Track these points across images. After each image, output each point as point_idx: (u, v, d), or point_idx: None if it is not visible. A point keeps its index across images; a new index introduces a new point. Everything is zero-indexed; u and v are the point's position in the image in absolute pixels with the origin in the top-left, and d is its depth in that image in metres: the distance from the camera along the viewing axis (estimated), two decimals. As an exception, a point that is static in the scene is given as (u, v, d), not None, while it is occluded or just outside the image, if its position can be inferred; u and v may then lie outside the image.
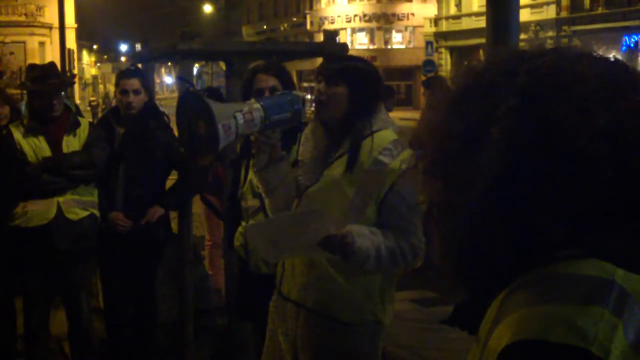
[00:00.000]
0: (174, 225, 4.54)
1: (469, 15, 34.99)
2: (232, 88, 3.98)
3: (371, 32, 47.06)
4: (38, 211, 3.87)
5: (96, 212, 4.04)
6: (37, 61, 20.76)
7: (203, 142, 2.31)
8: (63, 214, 3.88)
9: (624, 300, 0.85)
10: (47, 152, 3.91)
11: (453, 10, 36.90)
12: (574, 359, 0.80)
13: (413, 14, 44.80)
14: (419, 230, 2.49)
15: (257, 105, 2.38)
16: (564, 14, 29.48)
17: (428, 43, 30.84)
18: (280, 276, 2.70)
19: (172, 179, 4.45)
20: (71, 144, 3.98)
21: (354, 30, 46.82)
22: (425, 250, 2.50)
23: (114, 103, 4.68)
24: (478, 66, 1.02)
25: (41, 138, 3.92)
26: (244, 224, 3.23)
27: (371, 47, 45.91)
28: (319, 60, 3.03)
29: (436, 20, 38.58)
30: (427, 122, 1.03)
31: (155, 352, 4.44)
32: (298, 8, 53.07)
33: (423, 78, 19.26)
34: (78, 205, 3.95)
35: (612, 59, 0.97)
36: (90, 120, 4.82)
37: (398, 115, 21.37)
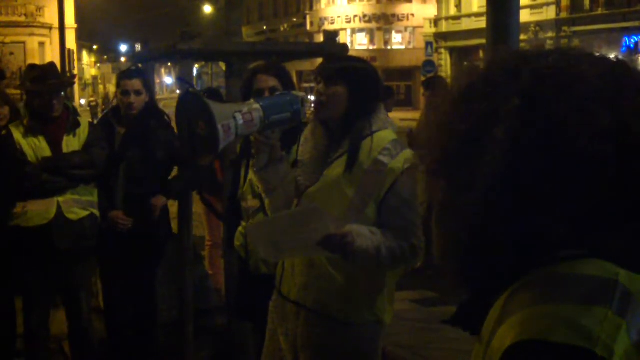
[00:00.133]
0: (174, 225, 4.54)
1: (469, 16, 34.99)
2: (232, 88, 3.98)
3: (371, 33, 47.07)
4: (38, 211, 3.87)
5: (96, 212, 4.04)
6: (37, 61, 20.78)
7: (203, 142, 2.31)
8: (63, 213, 3.89)
9: (628, 301, 0.85)
10: (47, 152, 3.91)
11: (453, 11, 36.90)
12: (577, 359, 0.80)
13: (413, 15, 44.81)
14: (419, 230, 2.50)
15: (256, 106, 2.39)
16: (563, 14, 29.49)
17: (428, 44, 30.82)
18: (280, 276, 2.70)
19: (172, 176, 4.44)
20: (71, 144, 3.98)
21: (353, 31, 46.82)
22: (425, 250, 2.51)
23: (114, 103, 4.68)
24: (480, 66, 1.02)
25: (41, 138, 3.92)
26: (244, 224, 3.23)
27: (371, 47, 45.91)
28: (319, 60, 3.03)
29: (436, 21, 38.58)
30: (429, 122, 1.03)
31: (155, 352, 4.44)
32: (298, 8, 53.07)
33: (423, 79, 19.26)
34: (78, 205, 3.95)
35: (616, 60, 0.97)
36: (90, 120, 4.82)
37: (398, 115, 21.37)
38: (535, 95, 0.92)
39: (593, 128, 0.88)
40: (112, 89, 39.01)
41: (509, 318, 0.88)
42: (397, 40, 46.96)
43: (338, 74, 2.54)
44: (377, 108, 2.57)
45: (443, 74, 27.79)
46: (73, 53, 26.17)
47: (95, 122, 5.00)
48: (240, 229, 3.27)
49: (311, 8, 50.43)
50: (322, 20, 47.55)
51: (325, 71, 2.57)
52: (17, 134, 3.91)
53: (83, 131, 4.04)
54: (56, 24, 21.61)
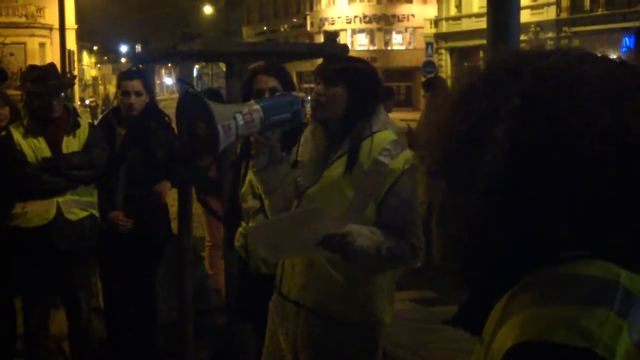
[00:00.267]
0: (174, 225, 4.54)
1: (469, 16, 34.99)
2: (232, 89, 3.98)
3: (371, 34, 47.07)
4: (37, 211, 3.87)
5: (96, 212, 4.04)
6: (37, 62, 20.79)
7: (203, 143, 2.31)
8: (62, 214, 3.89)
9: (629, 301, 0.85)
10: (46, 152, 3.91)
11: (453, 12, 36.91)
12: None
13: (413, 15, 44.81)
14: (419, 231, 2.50)
15: (256, 107, 2.39)
16: (564, 15, 29.50)
17: (428, 44, 30.82)
18: (280, 276, 2.70)
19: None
20: (71, 144, 3.98)
21: (354, 32, 46.82)
22: (425, 251, 2.51)
23: (114, 104, 4.68)
24: (480, 66, 1.02)
25: (41, 139, 3.92)
26: (244, 224, 3.23)
27: (371, 48, 45.92)
28: (319, 61, 3.03)
29: (436, 22, 38.58)
30: (430, 123, 1.03)
31: (155, 352, 4.44)
32: (298, 9, 53.07)
33: (423, 79, 19.25)
34: (77, 205, 3.95)
35: (617, 60, 0.97)
36: (90, 121, 4.82)
37: (398, 116, 21.34)
38: (536, 95, 0.92)
39: (593, 128, 0.88)
40: (112, 89, 39.03)
41: (509, 319, 0.88)
42: (398, 41, 46.97)
43: (337, 75, 2.54)
44: (377, 109, 2.57)
45: (443, 75, 27.82)
46: (73, 54, 26.19)
47: (95, 122, 4.99)
48: (240, 229, 3.27)
49: (311, 8, 50.43)
50: (322, 21, 47.55)
51: (324, 72, 2.57)
52: (17, 135, 3.91)
53: (83, 132, 4.04)
54: (56, 24, 21.63)
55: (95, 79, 64.74)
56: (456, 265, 1.01)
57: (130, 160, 4.18)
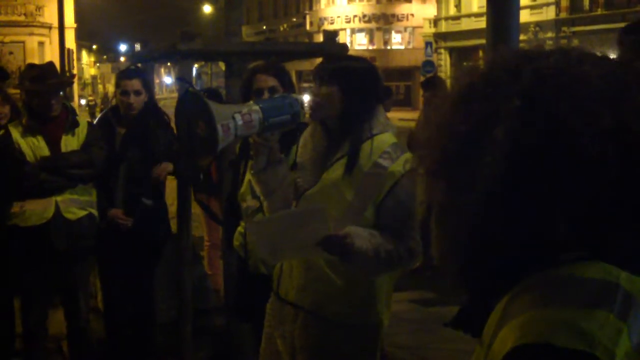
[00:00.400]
0: (173, 225, 4.53)
1: (469, 16, 35.00)
2: (232, 88, 3.98)
3: (370, 33, 47.07)
4: (36, 210, 3.86)
5: (94, 211, 4.03)
6: (37, 61, 20.76)
7: (202, 142, 2.31)
8: (61, 213, 3.88)
9: (629, 303, 0.84)
10: (45, 151, 3.90)
11: (452, 11, 36.91)
12: None
13: (412, 15, 44.82)
14: (417, 234, 2.49)
15: (256, 107, 2.38)
16: (563, 15, 29.51)
17: (427, 44, 30.80)
18: (277, 278, 2.70)
19: (172, 178, 4.44)
20: (70, 143, 3.98)
21: (353, 31, 46.82)
22: (422, 253, 2.50)
23: (113, 103, 4.67)
24: (480, 66, 1.01)
25: (39, 137, 3.92)
26: (243, 224, 3.22)
27: (370, 47, 45.91)
28: (319, 60, 3.03)
29: (435, 21, 38.59)
30: (430, 123, 1.03)
31: (154, 352, 4.44)
32: (298, 8, 53.07)
33: (422, 79, 19.25)
34: (76, 204, 3.94)
35: (618, 60, 0.96)
36: (88, 119, 4.81)
37: (397, 115, 21.38)
38: (536, 95, 0.91)
39: (594, 128, 0.88)
40: (111, 88, 39.01)
41: (509, 321, 0.88)
42: (397, 40, 46.97)
43: (331, 74, 2.53)
44: (377, 110, 2.56)
45: (442, 74, 27.80)
46: (72, 53, 26.17)
47: (94, 121, 4.98)
48: (239, 228, 3.27)
49: (311, 8, 50.43)
50: (321, 20, 47.56)
51: (320, 72, 2.57)
52: (16, 134, 3.91)
53: (82, 131, 4.03)
54: (56, 23, 21.61)
55: (94, 78, 64.73)
56: (456, 266, 1.00)
57: (130, 159, 4.18)
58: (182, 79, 3.93)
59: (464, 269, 1.00)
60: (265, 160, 2.56)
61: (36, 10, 36.48)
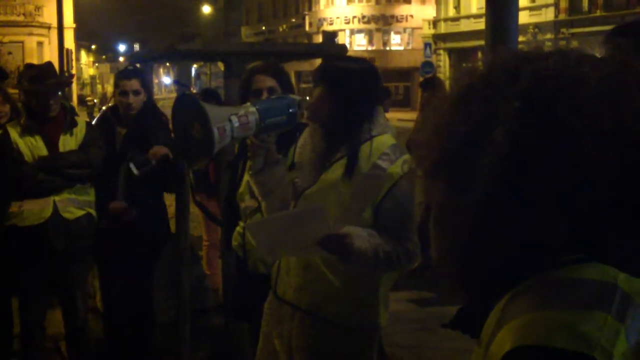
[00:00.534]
0: (172, 225, 4.53)
1: (468, 17, 35.02)
2: (231, 89, 3.98)
3: (370, 34, 47.09)
4: (34, 210, 3.86)
5: (92, 211, 4.03)
6: (36, 61, 20.77)
7: (198, 144, 2.30)
8: (59, 213, 3.88)
9: (627, 305, 0.85)
10: (43, 151, 3.90)
11: (451, 12, 36.93)
12: None
13: (412, 16, 44.86)
14: (415, 236, 2.49)
15: (252, 109, 2.38)
16: (562, 16, 29.53)
17: (426, 45, 30.83)
18: (275, 277, 2.70)
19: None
20: (68, 143, 3.97)
21: (352, 32, 46.85)
22: (420, 254, 2.50)
23: (111, 103, 4.67)
24: (479, 67, 1.01)
25: (38, 137, 3.91)
26: (241, 224, 3.22)
27: (370, 48, 45.93)
28: (318, 61, 3.03)
29: (435, 22, 38.61)
30: (429, 123, 1.03)
31: (152, 351, 4.43)
32: (297, 9, 53.08)
33: (421, 79, 19.29)
34: (74, 204, 3.94)
35: (617, 61, 0.96)
36: (87, 119, 4.80)
37: (395, 116, 21.42)
38: (535, 97, 0.91)
39: (593, 130, 0.88)
40: (110, 88, 38.97)
41: (508, 322, 0.88)
42: (396, 41, 46.99)
43: (320, 75, 2.53)
44: (377, 111, 2.56)
45: (441, 75, 27.81)
46: (71, 53, 26.18)
47: (93, 121, 4.98)
48: (238, 228, 3.26)
49: (310, 9, 50.44)
50: (320, 21, 47.58)
51: (315, 73, 2.58)
52: (14, 133, 3.91)
53: (80, 130, 4.03)
54: (55, 23, 21.61)
55: (93, 77, 64.69)
56: (455, 267, 1.00)
57: (130, 159, 4.17)
58: (179, 81, 3.93)
59: (463, 269, 1.00)
60: (263, 162, 2.55)
61: (35, 10, 36.48)
